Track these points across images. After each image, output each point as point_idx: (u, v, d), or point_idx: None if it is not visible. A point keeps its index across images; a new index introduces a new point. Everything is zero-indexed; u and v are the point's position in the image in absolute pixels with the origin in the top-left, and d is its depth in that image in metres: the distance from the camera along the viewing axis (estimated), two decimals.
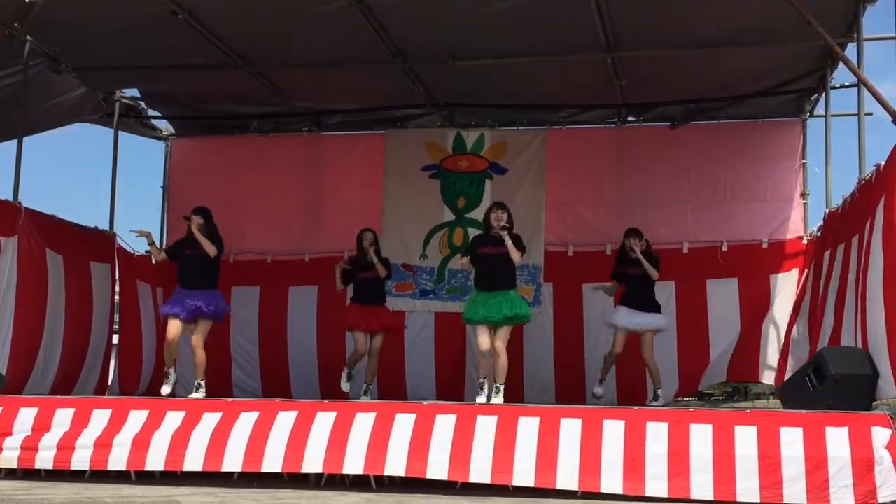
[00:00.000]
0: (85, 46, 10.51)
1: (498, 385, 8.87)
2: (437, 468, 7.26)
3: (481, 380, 9.04)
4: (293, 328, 12.41)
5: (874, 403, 7.61)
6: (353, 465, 7.38)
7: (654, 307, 10.06)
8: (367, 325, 10.35)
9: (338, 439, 7.49)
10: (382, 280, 10.42)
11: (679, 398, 11.61)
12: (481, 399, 8.87)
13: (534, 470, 7.13)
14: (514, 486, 7.18)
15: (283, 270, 12.51)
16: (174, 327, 9.42)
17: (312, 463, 7.45)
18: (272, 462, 7.52)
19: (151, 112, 13.01)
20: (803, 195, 11.68)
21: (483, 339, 8.96)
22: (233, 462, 7.57)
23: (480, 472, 7.21)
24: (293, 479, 7.51)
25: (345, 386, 10.27)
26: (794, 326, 10.64)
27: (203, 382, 9.45)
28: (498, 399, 8.78)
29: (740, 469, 6.90)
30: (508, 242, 8.95)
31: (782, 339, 11.02)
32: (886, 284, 7.73)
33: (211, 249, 9.46)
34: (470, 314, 9.08)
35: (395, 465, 7.33)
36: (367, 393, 10.36)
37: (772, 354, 11.05)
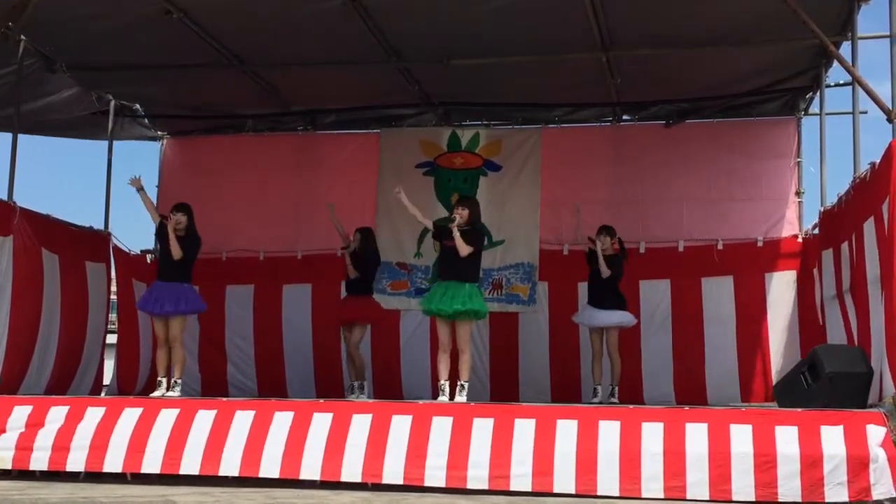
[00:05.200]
0: (79, 46, 10.50)
1: (462, 383, 8.86)
2: (435, 475, 7.26)
3: (442, 381, 8.95)
4: (288, 326, 12.41)
5: (879, 402, 7.61)
6: (351, 472, 7.39)
7: (615, 303, 10.12)
8: (346, 315, 10.56)
9: (335, 445, 7.48)
10: (361, 275, 10.56)
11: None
12: (443, 399, 8.76)
13: (531, 474, 7.14)
14: None
15: (276, 268, 12.50)
16: (156, 326, 9.59)
17: (310, 470, 7.45)
18: (270, 467, 7.51)
19: (146, 111, 12.97)
20: (798, 194, 11.69)
21: (443, 333, 8.99)
22: (230, 466, 7.56)
23: (477, 478, 7.21)
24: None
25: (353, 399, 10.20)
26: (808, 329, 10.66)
27: (180, 381, 9.48)
28: (462, 398, 8.74)
29: (736, 468, 6.91)
30: (455, 234, 8.93)
31: (791, 344, 11.05)
32: (885, 284, 7.75)
33: (176, 252, 9.44)
34: (424, 303, 9.17)
35: (392, 473, 7.33)
36: (353, 392, 10.37)
37: (783, 364, 10.99)
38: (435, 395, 9.28)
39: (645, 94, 11.79)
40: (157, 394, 9.33)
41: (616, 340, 10.13)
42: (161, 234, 9.69)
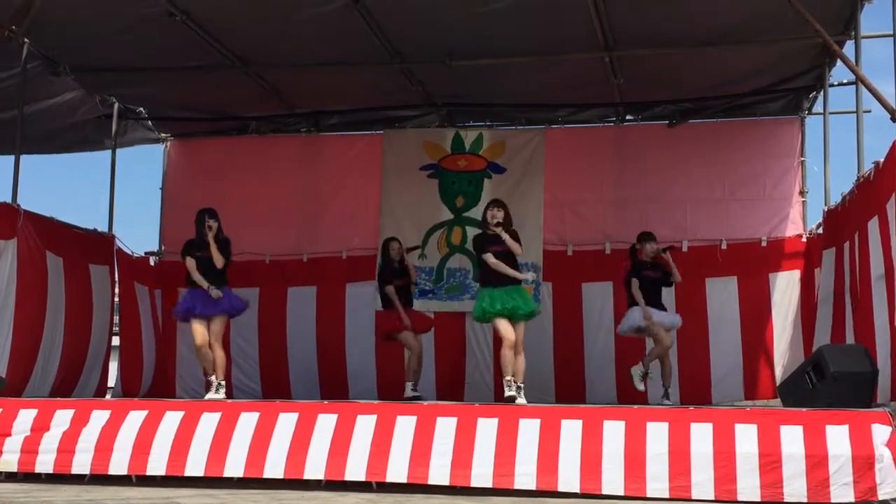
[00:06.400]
0: (83, 48, 10.51)
1: (520, 384, 8.83)
2: (439, 473, 7.25)
3: (508, 377, 8.80)
4: (292, 329, 12.40)
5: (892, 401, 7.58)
6: (355, 471, 7.38)
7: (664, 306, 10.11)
8: (418, 326, 10.53)
9: (339, 444, 7.48)
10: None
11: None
12: (521, 400, 8.65)
13: (535, 473, 7.13)
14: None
15: (281, 271, 12.50)
16: (200, 330, 9.39)
17: (314, 469, 7.44)
18: (274, 468, 7.51)
19: (149, 114, 12.97)
20: (802, 193, 11.68)
21: (509, 329, 8.86)
22: (234, 467, 7.56)
23: (482, 476, 7.19)
24: (293, 479, 7.51)
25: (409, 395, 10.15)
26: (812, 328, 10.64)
27: (223, 382, 9.41)
28: (522, 399, 8.70)
29: (741, 468, 6.89)
30: (506, 237, 8.94)
31: (795, 343, 11.03)
32: (889, 282, 7.74)
33: (219, 260, 9.41)
34: (491, 306, 8.89)
35: (397, 472, 7.33)
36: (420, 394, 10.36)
37: (788, 363, 10.98)
38: (443, 397, 9.25)
39: (648, 94, 11.79)
40: (208, 396, 9.26)
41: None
42: (196, 241, 9.53)
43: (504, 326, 8.91)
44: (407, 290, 10.55)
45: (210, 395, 9.28)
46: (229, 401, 8.71)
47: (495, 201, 9.41)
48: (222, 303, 9.43)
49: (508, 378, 8.86)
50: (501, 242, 8.99)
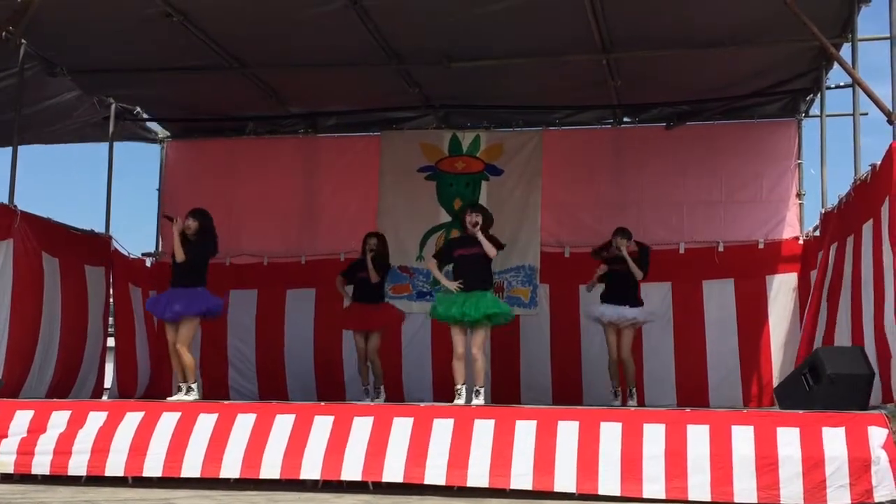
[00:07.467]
0: (80, 49, 10.50)
1: (477, 388, 8.84)
2: (435, 473, 7.26)
3: (458, 386, 8.92)
4: (290, 331, 12.39)
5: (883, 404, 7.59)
6: (351, 471, 7.39)
7: (635, 303, 10.09)
8: (362, 324, 10.49)
9: (336, 445, 7.49)
10: (381, 281, 10.53)
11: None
12: (460, 402, 8.77)
13: (531, 473, 7.14)
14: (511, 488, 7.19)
15: (279, 273, 12.49)
16: (168, 335, 9.36)
17: (310, 469, 7.45)
18: (270, 468, 7.52)
19: (147, 114, 12.98)
20: (799, 195, 11.69)
21: (459, 340, 8.94)
22: (231, 468, 7.57)
23: (478, 476, 7.20)
24: (290, 480, 7.50)
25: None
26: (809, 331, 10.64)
27: (195, 386, 9.26)
28: (479, 401, 8.75)
29: (737, 470, 6.91)
30: (481, 237, 8.95)
31: (793, 347, 11.02)
32: (876, 286, 7.75)
33: (179, 255, 9.24)
34: (444, 310, 8.99)
35: (393, 472, 7.33)
36: (369, 395, 10.37)
37: (785, 366, 10.97)
38: (441, 399, 9.25)
39: (645, 97, 11.80)
40: (173, 398, 9.22)
41: (630, 342, 10.03)
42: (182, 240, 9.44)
43: (454, 336, 8.96)
44: (366, 285, 10.47)
45: (185, 397, 9.10)
46: (226, 402, 8.69)
47: (473, 205, 9.51)
48: (192, 306, 9.23)
49: (458, 386, 8.89)
50: (472, 245, 9.00)
